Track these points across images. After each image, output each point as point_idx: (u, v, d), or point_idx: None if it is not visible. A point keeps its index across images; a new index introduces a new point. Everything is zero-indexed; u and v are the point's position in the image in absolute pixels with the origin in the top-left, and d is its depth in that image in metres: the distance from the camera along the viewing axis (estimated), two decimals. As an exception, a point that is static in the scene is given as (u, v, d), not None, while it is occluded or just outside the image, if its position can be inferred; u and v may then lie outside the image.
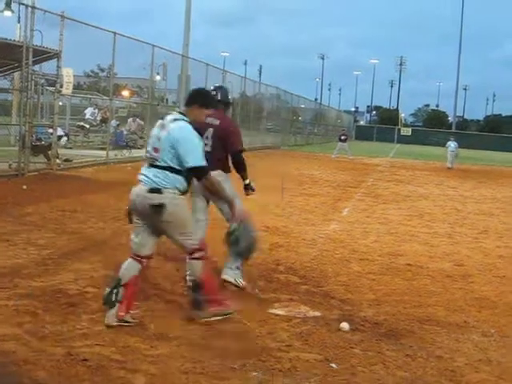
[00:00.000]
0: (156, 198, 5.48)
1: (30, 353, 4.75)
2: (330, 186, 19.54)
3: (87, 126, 29.20)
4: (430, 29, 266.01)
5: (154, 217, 5.55)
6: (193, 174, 5.65)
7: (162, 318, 5.77)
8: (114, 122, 25.64)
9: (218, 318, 5.79)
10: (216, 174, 6.53)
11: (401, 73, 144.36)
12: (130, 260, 5.75)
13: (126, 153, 23.68)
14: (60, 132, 20.32)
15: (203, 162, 5.60)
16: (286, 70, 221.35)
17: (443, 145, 37.33)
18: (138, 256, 5.72)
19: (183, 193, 5.68)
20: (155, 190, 5.50)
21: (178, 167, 5.54)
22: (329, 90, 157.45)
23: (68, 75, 17.72)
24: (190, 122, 5.68)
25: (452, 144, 33.35)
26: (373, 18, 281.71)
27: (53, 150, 17.38)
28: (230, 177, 7.27)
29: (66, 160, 19.07)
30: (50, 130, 17.98)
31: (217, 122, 7.00)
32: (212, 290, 5.89)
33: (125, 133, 27.41)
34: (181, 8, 30.43)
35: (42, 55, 17.07)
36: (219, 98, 7.15)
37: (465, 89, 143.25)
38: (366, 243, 10.24)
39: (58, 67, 17.19)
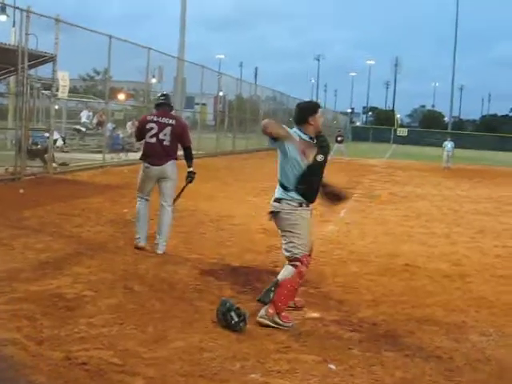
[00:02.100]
0: (273, 207, 6.17)
1: (29, 357, 4.74)
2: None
3: (83, 130, 29.16)
4: (426, 29, 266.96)
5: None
6: None
7: (161, 321, 5.77)
8: (110, 126, 25.59)
9: (272, 325, 5.84)
10: (171, 163, 8.57)
11: (396, 74, 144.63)
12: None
13: (122, 156, 23.66)
14: (56, 136, 20.27)
15: None
16: (281, 71, 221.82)
17: (439, 145, 37.42)
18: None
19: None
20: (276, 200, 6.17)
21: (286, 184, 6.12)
22: (324, 91, 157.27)
23: (63, 79, 17.72)
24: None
25: (449, 144, 33.42)
26: (368, 20, 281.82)
27: (49, 154, 17.36)
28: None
29: (63, 164, 19.05)
30: (46, 134, 17.97)
31: (173, 122, 8.64)
32: (283, 300, 5.99)
33: (121, 136, 27.38)
34: (176, 11, 30.48)
35: (38, 59, 17.02)
36: (168, 103, 8.93)
37: (460, 89, 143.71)
38: (363, 244, 10.24)
39: (54, 71, 17.19)
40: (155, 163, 8.56)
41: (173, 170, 8.64)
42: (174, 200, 8.86)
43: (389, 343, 5.62)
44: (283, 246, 6.18)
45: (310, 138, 6.11)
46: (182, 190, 8.91)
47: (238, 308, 5.75)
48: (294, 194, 6.06)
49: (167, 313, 6.04)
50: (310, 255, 6.33)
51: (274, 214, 6.14)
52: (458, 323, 6.35)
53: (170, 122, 8.60)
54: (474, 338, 5.95)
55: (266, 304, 5.93)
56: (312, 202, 6.23)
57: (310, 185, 6.10)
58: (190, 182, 8.85)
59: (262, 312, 5.90)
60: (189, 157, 8.83)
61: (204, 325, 5.74)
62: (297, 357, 5.14)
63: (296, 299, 6.38)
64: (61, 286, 6.66)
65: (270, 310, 5.88)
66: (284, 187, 6.09)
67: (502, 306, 7.05)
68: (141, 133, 8.84)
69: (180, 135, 8.65)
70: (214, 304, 6.06)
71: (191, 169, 8.80)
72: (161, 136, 8.53)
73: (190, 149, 8.84)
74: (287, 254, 6.11)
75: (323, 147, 6.18)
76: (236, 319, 5.64)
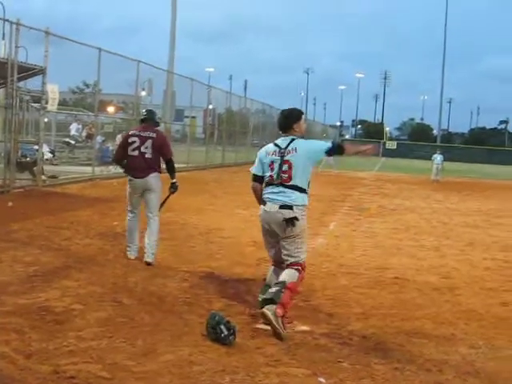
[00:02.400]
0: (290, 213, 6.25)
1: (17, 371, 4.71)
2: (315, 200, 19.47)
3: (72, 142, 29.12)
4: (415, 43, 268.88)
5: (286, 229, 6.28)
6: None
7: (150, 334, 5.74)
8: (99, 138, 25.53)
9: (274, 323, 5.86)
10: (153, 176, 8.78)
11: (385, 87, 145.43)
12: (273, 267, 6.66)
13: (112, 168, 23.56)
14: (45, 148, 20.22)
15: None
16: (271, 84, 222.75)
17: (428, 158, 37.45)
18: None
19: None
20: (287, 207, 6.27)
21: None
22: (314, 104, 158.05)
23: (53, 91, 17.70)
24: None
25: (438, 157, 33.43)
26: (357, 33, 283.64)
27: (38, 167, 17.31)
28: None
29: (52, 176, 19.00)
30: (36, 147, 17.92)
31: (154, 135, 8.87)
32: (290, 302, 6.18)
33: (111, 149, 27.31)
34: (166, 24, 30.60)
35: (27, 72, 17.02)
36: (150, 117, 9.17)
37: (449, 102, 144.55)
38: (352, 257, 10.24)
39: (43, 83, 17.18)
40: (138, 176, 8.83)
41: (156, 182, 8.87)
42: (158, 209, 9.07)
43: (378, 356, 5.62)
44: (287, 252, 6.33)
45: None
46: (165, 199, 9.12)
47: (227, 321, 5.73)
48: (306, 198, 6.34)
49: (156, 326, 6.02)
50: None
51: (290, 221, 6.23)
52: (447, 336, 6.35)
53: (151, 135, 8.86)
54: (464, 350, 5.95)
55: (275, 303, 5.95)
56: None
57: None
58: (173, 192, 9.11)
59: (270, 307, 5.94)
60: (171, 169, 9.04)
61: (193, 338, 5.72)
62: (286, 370, 5.13)
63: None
64: (49, 299, 6.63)
65: (279, 311, 5.92)
66: (302, 190, 6.30)
67: (491, 319, 7.06)
68: (123, 148, 9.04)
69: (160, 148, 8.88)
70: (204, 317, 6.05)
71: (174, 180, 9.04)
72: (142, 149, 8.78)
73: (171, 161, 9.06)
74: (292, 259, 6.30)
75: None
76: (226, 332, 5.63)
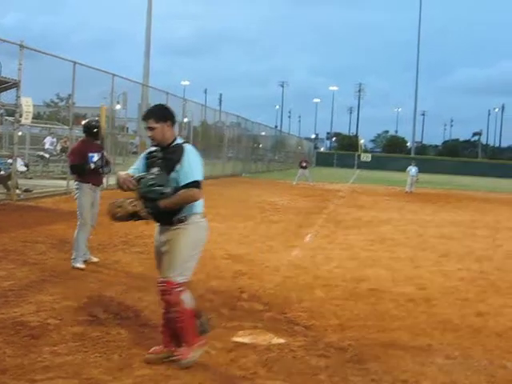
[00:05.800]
0: None
1: (-9, 387, 4.66)
2: (291, 212, 19.56)
3: (47, 156, 28.94)
4: (389, 56, 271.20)
5: None
6: None
7: (126, 349, 5.71)
8: (74, 152, 25.40)
9: None
10: (75, 183, 9.45)
11: (360, 99, 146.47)
12: None
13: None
14: (20, 162, 20.08)
15: None
16: (246, 97, 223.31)
17: (403, 170, 37.68)
18: None
19: None
20: None
21: None
22: (289, 117, 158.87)
23: (27, 105, 17.58)
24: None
25: (413, 169, 33.62)
26: (332, 47, 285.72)
27: (12, 181, 17.18)
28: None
29: (26, 190, 18.84)
30: (10, 161, 17.79)
31: None
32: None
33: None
34: (141, 38, 30.57)
35: (1, 85, 16.91)
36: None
37: (423, 114, 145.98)
38: (328, 269, 10.25)
39: (18, 97, 17.06)
40: None
41: (76, 189, 9.43)
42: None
43: (355, 368, 5.62)
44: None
45: None
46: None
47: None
48: None
49: (133, 340, 5.98)
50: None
51: None
52: (423, 347, 6.38)
53: None
54: (440, 361, 5.98)
55: None
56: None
57: None
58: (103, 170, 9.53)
59: None
60: (73, 172, 9.71)
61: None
62: (263, 383, 5.12)
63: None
64: (24, 314, 6.57)
65: None
66: None
67: (466, 329, 7.10)
68: None
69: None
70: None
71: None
72: None
73: (70, 166, 9.77)
74: None
75: None
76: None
